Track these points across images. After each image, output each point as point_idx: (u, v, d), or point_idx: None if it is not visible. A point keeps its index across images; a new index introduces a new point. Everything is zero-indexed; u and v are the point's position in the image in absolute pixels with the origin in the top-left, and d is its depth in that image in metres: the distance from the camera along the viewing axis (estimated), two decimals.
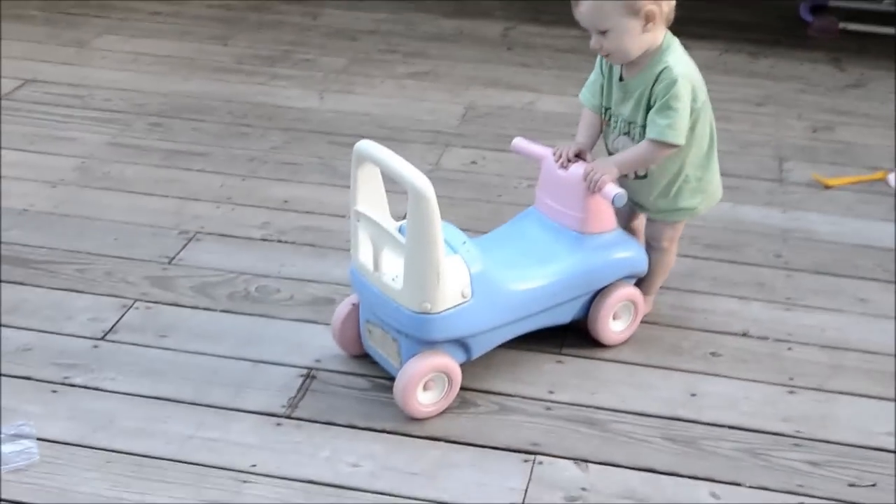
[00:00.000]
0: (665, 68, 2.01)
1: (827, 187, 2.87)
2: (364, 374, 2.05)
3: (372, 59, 3.67)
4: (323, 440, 1.88)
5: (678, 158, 2.07)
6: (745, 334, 2.22)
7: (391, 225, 1.93)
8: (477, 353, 1.99)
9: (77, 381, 2.01)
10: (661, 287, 2.25)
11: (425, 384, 1.92)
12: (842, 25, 4.08)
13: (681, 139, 2.02)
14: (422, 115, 3.23)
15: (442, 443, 1.89)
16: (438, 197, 1.80)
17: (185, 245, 2.47)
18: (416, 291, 1.86)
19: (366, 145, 1.91)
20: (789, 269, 2.47)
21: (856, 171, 2.95)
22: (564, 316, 2.09)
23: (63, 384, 2.00)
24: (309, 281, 2.35)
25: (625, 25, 1.98)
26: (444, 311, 1.88)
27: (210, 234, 2.53)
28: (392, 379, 1.95)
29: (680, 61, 2.03)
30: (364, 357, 2.08)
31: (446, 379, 1.94)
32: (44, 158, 2.87)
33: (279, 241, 2.51)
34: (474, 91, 3.42)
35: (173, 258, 2.42)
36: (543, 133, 2.97)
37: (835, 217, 2.72)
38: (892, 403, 2.03)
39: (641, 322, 2.18)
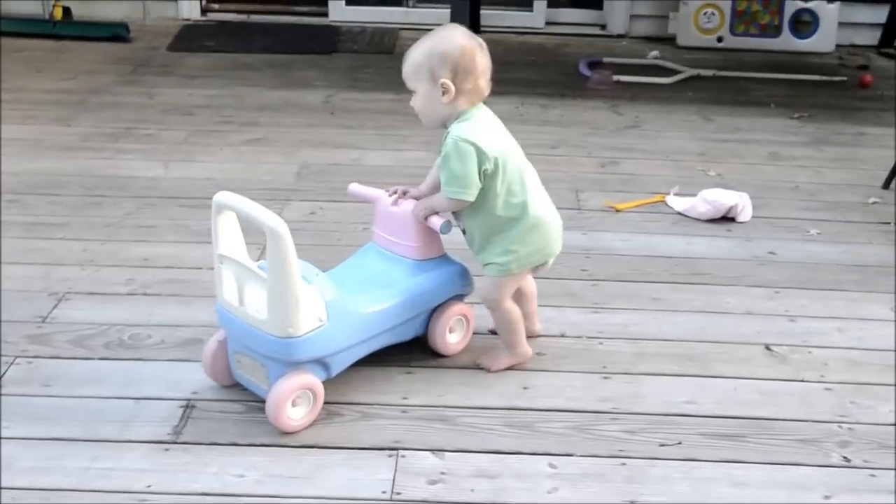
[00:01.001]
0: (447, 133, 2.14)
1: (617, 211, 3.18)
2: (238, 400, 2.16)
3: (209, 130, 3.79)
4: (209, 458, 1.99)
5: (479, 215, 2.17)
6: (563, 335, 2.46)
7: (252, 264, 2.07)
8: (336, 370, 2.14)
9: None
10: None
11: (293, 401, 2.06)
12: (616, 78, 4.49)
13: (460, 195, 2.11)
14: (260, 175, 3.37)
15: (315, 449, 2.03)
16: None
17: (56, 305, 2.53)
18: (280, 319, 2.00)
19: (224, 196, 2.05)
20: (594, 279, 2.74)
21: (640, 196, 3.27)
22: (408, 333, 2.27)
23: None
24: (177, 326, 2.44)
25: (427, 91, 2.13)
26: (305, 334, 2.03)
27: (78, 293, 2.59)
28: (264, 401, 2.09)
29: (465, 129, 2.09)
30: (236, 386, 2.19)
31: (311, 395, 2.08)
32: None
33: (145, 294, 2.60)
34: (305, 152, 3.59)
35: (46, 317, 2.47)
36: (372, 183, 3.14)
37: (626, 234, 3.02)
38: (687, 378, 2.30)
39: (475, 335, 2.38)
